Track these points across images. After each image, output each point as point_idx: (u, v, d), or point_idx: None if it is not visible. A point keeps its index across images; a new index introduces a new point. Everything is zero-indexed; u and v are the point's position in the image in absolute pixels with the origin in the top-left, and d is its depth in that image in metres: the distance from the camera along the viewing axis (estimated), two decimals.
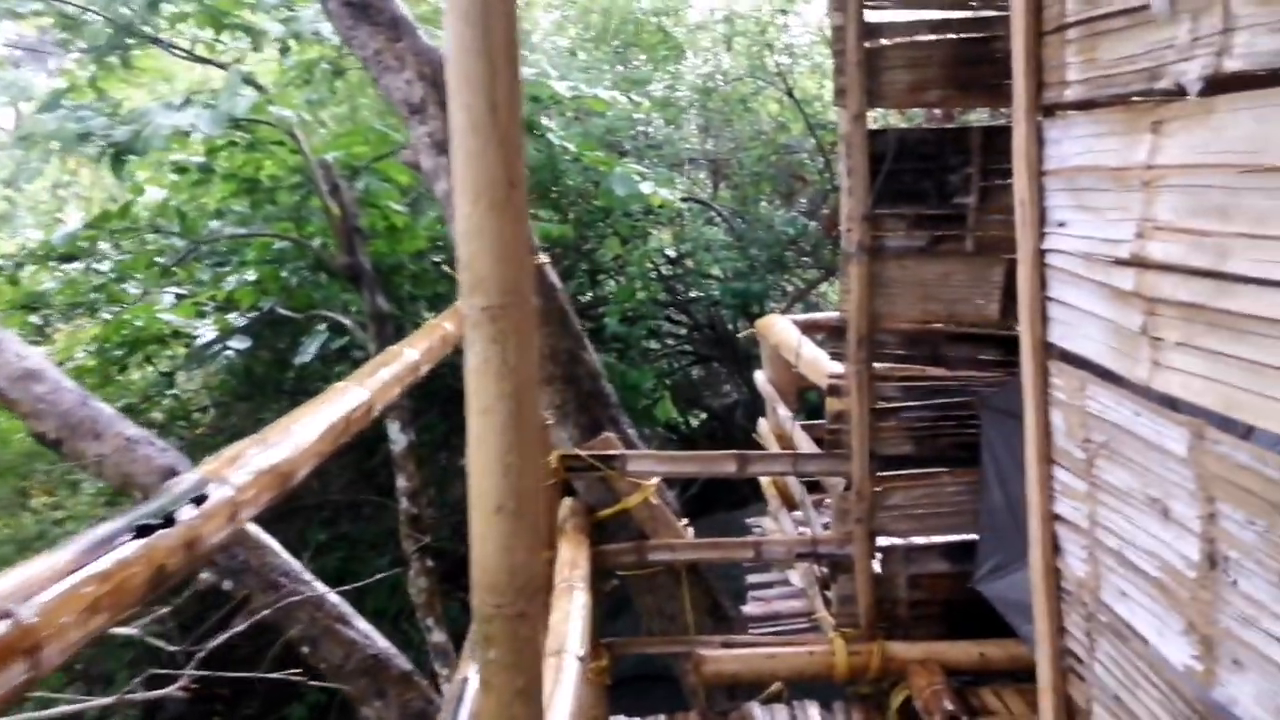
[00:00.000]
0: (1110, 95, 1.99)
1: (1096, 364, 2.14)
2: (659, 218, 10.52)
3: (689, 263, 11.23)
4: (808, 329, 5.28)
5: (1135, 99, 1.95)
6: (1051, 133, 2.26)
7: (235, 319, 7.45)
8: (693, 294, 11.16)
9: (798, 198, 11.76)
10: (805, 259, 11.19)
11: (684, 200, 11.84)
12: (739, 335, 7.16)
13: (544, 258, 4.26)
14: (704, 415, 11.77)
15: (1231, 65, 1.60)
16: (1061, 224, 2.24)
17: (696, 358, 11.85)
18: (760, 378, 5.58)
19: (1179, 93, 1.76)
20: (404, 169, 6.15)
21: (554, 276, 4.27)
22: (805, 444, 4.52)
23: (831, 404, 3.83)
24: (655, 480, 3.99)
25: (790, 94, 10.77)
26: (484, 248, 1.71)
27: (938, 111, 5.95)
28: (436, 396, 9.36)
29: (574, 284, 10.81)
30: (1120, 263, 1.97)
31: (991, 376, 3.77)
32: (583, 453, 3.87)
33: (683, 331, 11.79)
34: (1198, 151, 1.71)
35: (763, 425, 5.60)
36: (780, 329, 5.05)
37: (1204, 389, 1.74)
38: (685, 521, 4.17)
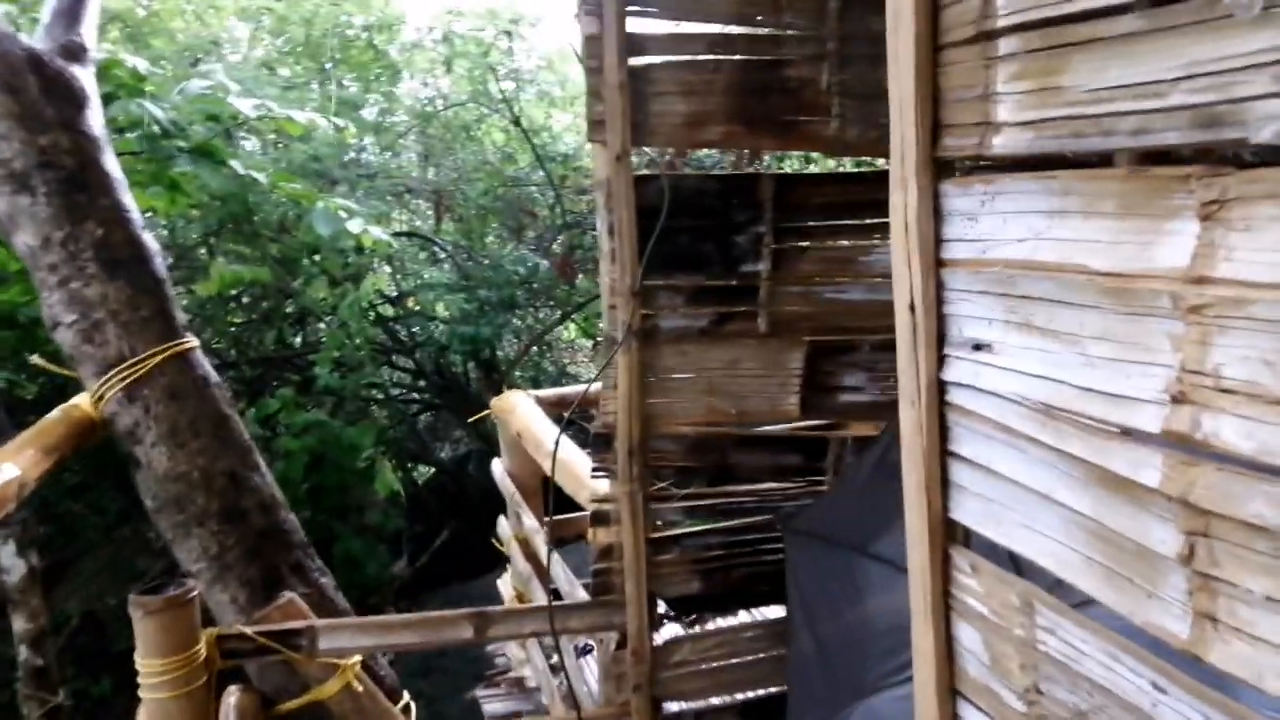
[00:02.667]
0: (1093, 150, 1.18)
1: (1060, 578, 1.32)
2: (376, 253, 9.30)
3: (411, 303, 10.07)
4: (555, 406, 4.34)
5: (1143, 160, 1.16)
6: (957, 202, 1.43)
7: None
8: (417, 336, 10.00)
9: (527, 233, 10.91)
10: (538, 300, 10.32)
11: (404, 235, 10.64)
12: (477, 408, 6.14)
13: (191, 340, 3.02)
14: (432, 470, 10.59)
15: None
16: (980, 347, 1.41)
17: (424, 406, 10.66)
18: (498, 469, 4.54)
19: (1268, 154, 0.97)
20: None
21: (206, 365, 3.03)
22: (560, 570, 3.54)
23: (597, 537, 2.90)
24: (357, 659, 2.87)
25: (517, 122, 9.92)
26: None
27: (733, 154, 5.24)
28: (108, 466, 7.60)
29: (275, 332, 9.34)
30: (1129, 434, 1.15)
31: (794, 489, 3.00)
32: (251, 631, 2.68)
33: (408, 378, 10.58)
34: None
35: (503, 526, 4.56)
36: (524, 414, 4.04)
37: None
38: (405, 701, 3.07)
